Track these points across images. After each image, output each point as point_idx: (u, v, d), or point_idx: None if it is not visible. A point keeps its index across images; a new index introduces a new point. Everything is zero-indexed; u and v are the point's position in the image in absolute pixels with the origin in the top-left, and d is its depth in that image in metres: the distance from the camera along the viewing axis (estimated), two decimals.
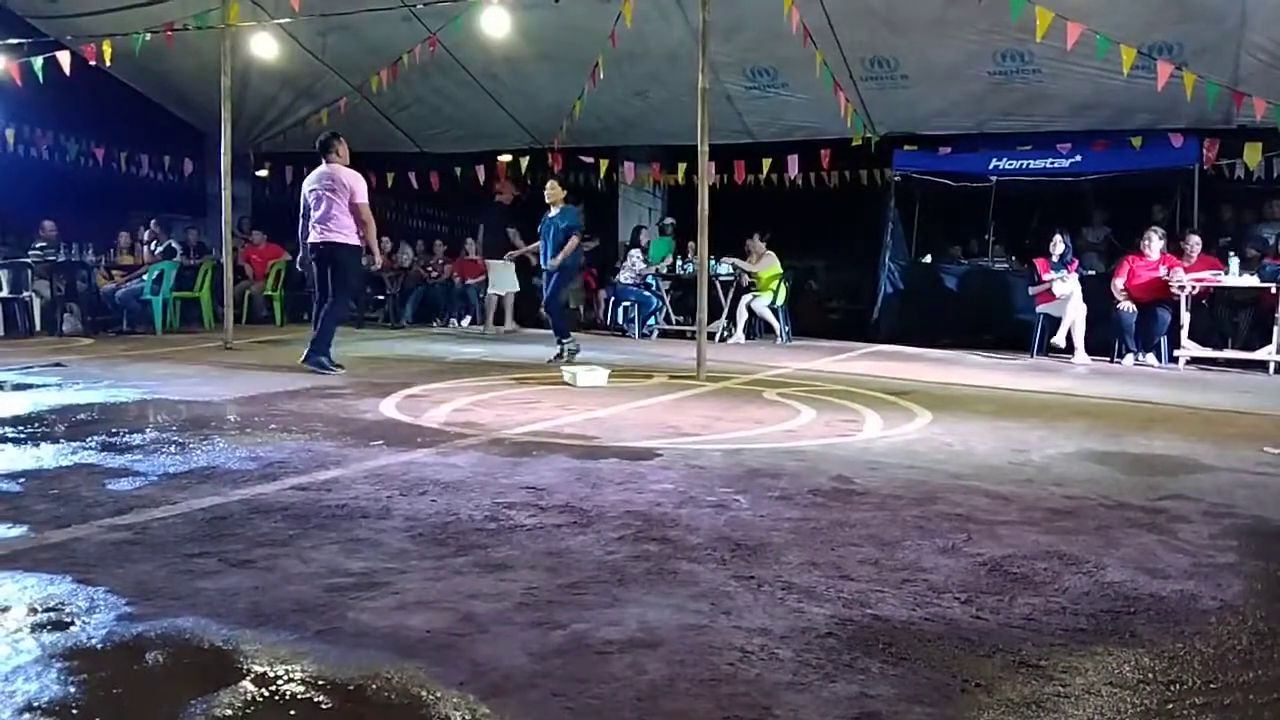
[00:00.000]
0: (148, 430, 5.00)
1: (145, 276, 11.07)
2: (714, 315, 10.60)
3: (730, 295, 11.38)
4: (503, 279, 12.17)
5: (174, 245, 11.67)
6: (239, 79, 10.92)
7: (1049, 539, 3.28)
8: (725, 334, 11.26)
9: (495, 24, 9.44)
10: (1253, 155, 9.75)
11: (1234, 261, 8.95)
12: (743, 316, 11.26)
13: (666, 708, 2.01)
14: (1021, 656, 2.29)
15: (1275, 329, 8.61)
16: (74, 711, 1.96)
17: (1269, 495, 3.99)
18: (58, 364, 7.72)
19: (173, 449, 4.50)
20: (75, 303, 10.98)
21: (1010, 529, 3.39)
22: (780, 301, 11.26)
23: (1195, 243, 9.28)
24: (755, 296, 11.21)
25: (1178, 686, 2.16)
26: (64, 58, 9.72)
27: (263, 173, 15.00)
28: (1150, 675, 2.21)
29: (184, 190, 14.30)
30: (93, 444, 4.60)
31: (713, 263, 10.25)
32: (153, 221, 12.48)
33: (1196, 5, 8.77)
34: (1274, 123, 8.88)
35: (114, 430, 4.95)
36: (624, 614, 2.52)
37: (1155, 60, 8.40)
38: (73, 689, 2.05)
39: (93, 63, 10.10)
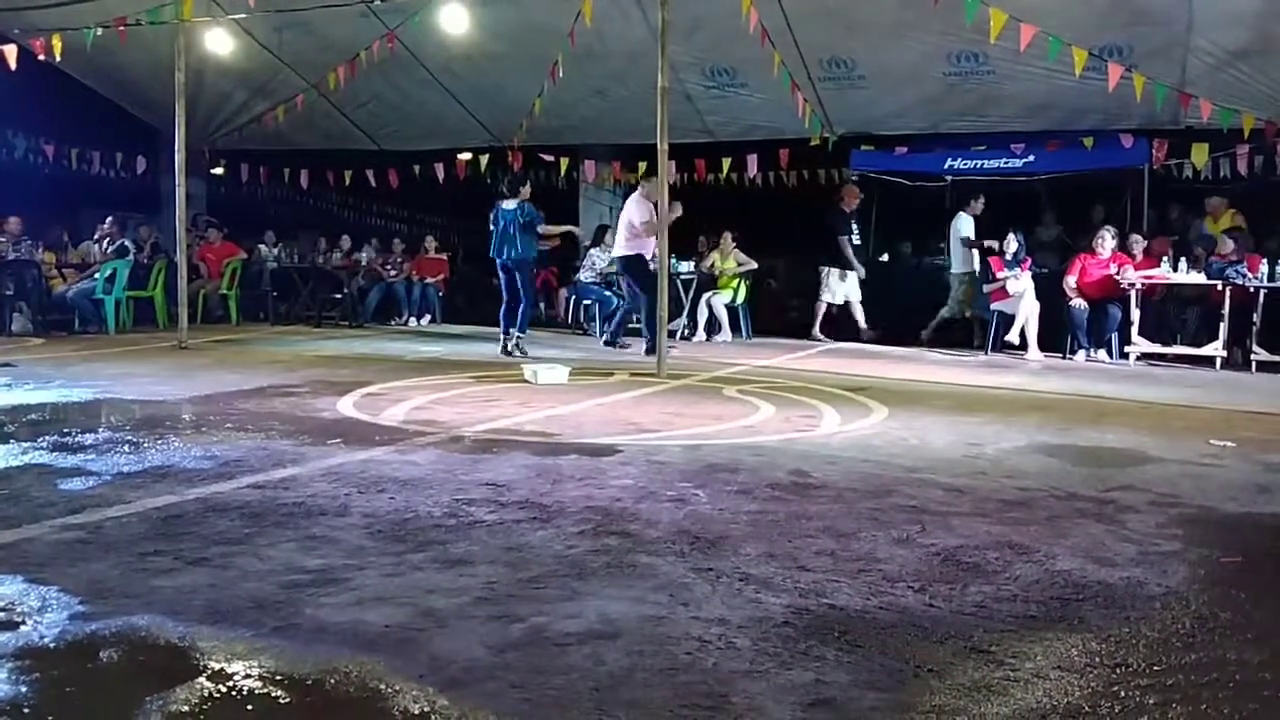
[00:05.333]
0: (101, 430, 4.92)
1: (97, 275, 10.88)
2: (674, 313, 10.63)
3: (691, 293, 11.43)
4: (849, 286, 11.15)
5: (126, 244, 11.47)
6: (193, 75, 10.76)
7: (1001, 529, 3.34)
8: (686, 332, 11.31)
9: (454, 21, 9.41)
10: (1200, 155, 9.96)
11: (1182, 261, 9.16)
12: (703, 314, 11.30)
13: (624, 697, 2.03)
14: (973, 642, 2.34)
15: (1222, 325, 8.81)
16: (25, 711, 1.94)
17: (1213, 485, 4.10)
18: (7, 364, 7.57)
19: (126, 448, 4.45)
20: (25, 302, 10.75)
21: (963, 520, 3.45)
22: (741, 300, 11.33)
23: (1135, 239, 9.50)
24: (715, 293, 11.27)
25: (1123, 669, 2.22)
26: (10, 51, 9.53)
27: (218, 170, 14.79)
28: (1097, 659, 2.27)
29: (137, 188, 14.05)
30: (44, 444, 4.52)
31: (672, 260, 10.27)
32: (107, 220, 12.25)
33: (1145, 8, 8.94)
34: (1220, 124, 9.08)
35: (66, 430, 4.87)
36: (583, 607, 2.54)
37: (1106, 62, 8.55)
38: (24, 689, 2.03)
39: (41, 57, 9.90)
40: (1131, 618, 2.54)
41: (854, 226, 11.14)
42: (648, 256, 9.18)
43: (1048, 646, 2.33)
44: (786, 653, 2.26)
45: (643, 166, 12.93)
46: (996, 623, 2.48)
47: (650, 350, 8.61)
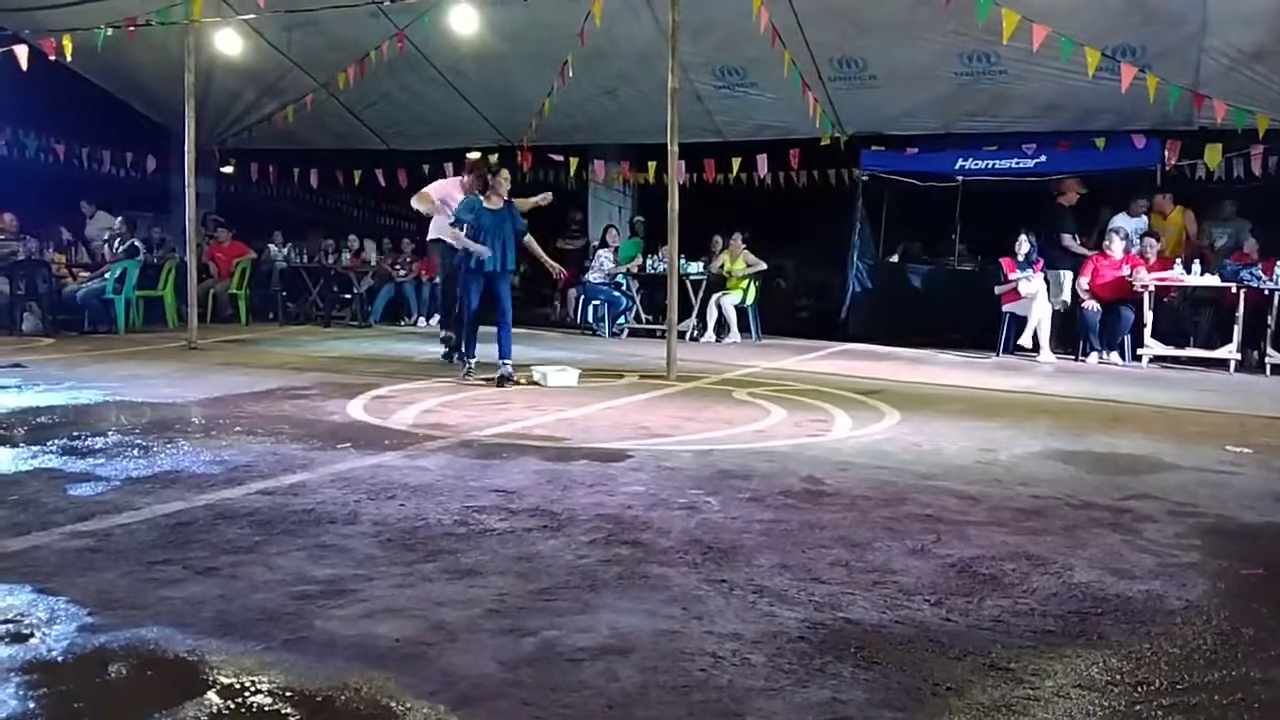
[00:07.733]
0: (110, 433, 4.91)
1: (107, 275, 10.89)
2: (684, 314, 10.59)
3: (700, 294, 11.39)
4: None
5: (136, 243, 11.47)
6: (203, 75, 10.76)
7: (1017, 539, 3.30)
8: (695, 333, 11.27)
9: (463, 21, 9.38)
10: (1213, 156, 9.87)
11: (1195, 263, 9.09)
12: (713, 315, 11.26)
13: (638, 716, 2.00)
14: (991, 659, 2.31)
15: (1235, 328, 8.74)
16: None
17: (1231, 494, 4.05)
18: (17, 365, 7.57)
19: (136, 453, 4.43)
20: (36, 301, 10.77)
21: (978, 529, 3.42)
22: (750, 301, 11.28)
23: (1149, 242, 9.44)
24: (724, 294, 11.23)
25: (1145, 688, 2.18)
26: (21, 51, 9.53)
27: (228, 170, 14.81)
28: (1118, 677, 2.23)
29: (147, 187, 14.06)
30: (54, 448, 4.51)
31: (682, 260, 10.21)
32: (118, 220, 12.26)
33: (1158, 9, 8.87)
34: (1234, 125, 9.01)
35: (76, 433, 4.86)
36: (595, 620, 2.51)
37: (1119, 62, 8.48)
38: (31, 704, 2.01)
39: (52, 57, 9.91)
40: (1152, 633, 2.50)
41: (1075, 225, 10.04)
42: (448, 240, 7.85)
43: (1068, 663, 2.29)
44: (802, 669, 2.23)
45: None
46: (1015, 638, 2.44)
47: (455, 356, 7.80)
